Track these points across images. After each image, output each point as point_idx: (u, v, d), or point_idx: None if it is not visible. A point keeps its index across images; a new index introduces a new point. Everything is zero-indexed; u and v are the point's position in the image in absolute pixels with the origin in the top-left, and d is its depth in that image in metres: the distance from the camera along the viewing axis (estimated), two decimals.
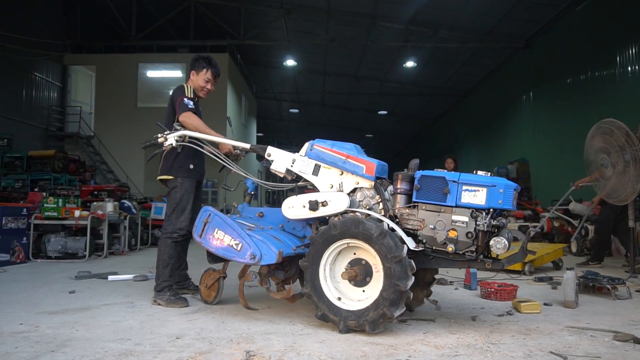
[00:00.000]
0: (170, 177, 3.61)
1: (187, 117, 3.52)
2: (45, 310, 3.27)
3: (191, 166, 3.65)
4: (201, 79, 3.77)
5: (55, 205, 6.59)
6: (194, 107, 3.60)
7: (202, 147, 3.52)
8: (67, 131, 17.43)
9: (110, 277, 4.78)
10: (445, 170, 2.85)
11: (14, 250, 6.14)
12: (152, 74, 18.71)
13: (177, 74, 18.39)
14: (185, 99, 3.59)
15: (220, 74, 3.91)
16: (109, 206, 7.37)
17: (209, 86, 3.81)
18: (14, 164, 12.96)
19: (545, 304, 3.54)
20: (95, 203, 7.66)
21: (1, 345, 2.44)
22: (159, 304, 3.44)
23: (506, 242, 2.59)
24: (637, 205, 6.17)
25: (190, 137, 3.43)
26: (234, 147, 3.55)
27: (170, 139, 3.33)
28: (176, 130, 3.42)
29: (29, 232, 6.47)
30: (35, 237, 6.66)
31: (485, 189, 2.65)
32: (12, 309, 3.33)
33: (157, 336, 2.62)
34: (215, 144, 3.58)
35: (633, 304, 3.65)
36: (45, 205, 6.61)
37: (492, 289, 3.79)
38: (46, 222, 6.59)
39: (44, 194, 8.29)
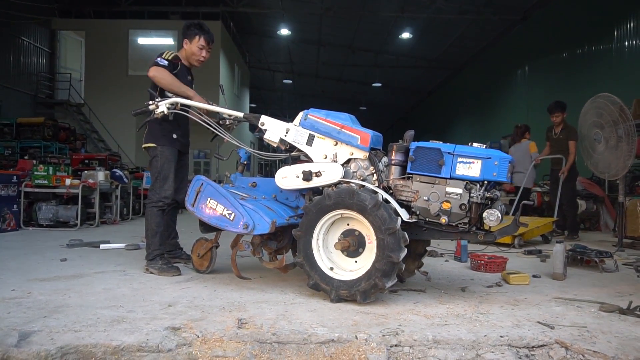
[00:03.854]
0: (153, 145, 3.56)
1: (156, 71, 3.41)
2: (37, 278, 3.26)
3: (174, 136, 3.59)
4: (195, 46, 3.65)
5: (45, 173, 6.52)
6: (166, 65, 3.46)
7: (195, 116, 3.44)
8: (56, 98, 17.14)
9: (102, 246, 4.77)
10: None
11: (5, 218, 6.10)
12: (143, 40, 18.29)
13: (168, 41, 17.99)
14: (159, 58, 3.48)
15: (214, 39, 3.79)
16: (100, 175, 7.31)
17: (203, 53, 3.69)
18: (2, 131, 12.76)
19: (534, 276, 3.59)
20: (86, 172, 7.58)
21: None
22: (151, 272, 3.44)
23: (499, 215, 2.59)
24: (626, 180, 6.23)
25: (182, 105, 3.36)
26: (228, 116, 3.46)
27: (162, 107, 3.25)
28: (168, 97, 3.35)
29: (19, 199, 6.41)
30: (26, 205, 6.61)
31: (480, 161, 2.64)
32: (4, 275, 3.31)
33: (150, 304, 2.63)
34: (210, 113, 3.50)
35: (619, 277, 3.71)
36: (35, 173, 6.54)
37: (482, 261, 3.83)
38: (37, 190, 6.53)
39: (34, 161, 8.20)
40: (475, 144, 2.74)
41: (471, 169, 2.65)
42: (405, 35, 16.84)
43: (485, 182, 2.67)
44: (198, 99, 3.45)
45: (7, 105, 14.02)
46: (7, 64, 14.85)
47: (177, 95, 3.40)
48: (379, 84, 23.34)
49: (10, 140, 12.52)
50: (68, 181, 6.61)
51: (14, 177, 6.44)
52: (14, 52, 15.22)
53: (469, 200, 2.64)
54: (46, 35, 16.98)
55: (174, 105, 3.32)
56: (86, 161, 10.42)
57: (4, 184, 6.16)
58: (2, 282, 3.11)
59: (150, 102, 3.28)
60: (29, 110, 15.69)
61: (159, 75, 3.42)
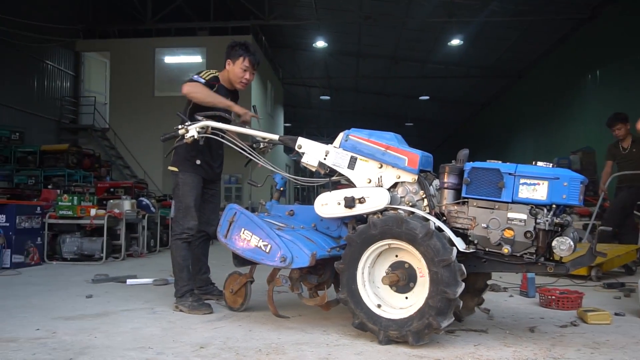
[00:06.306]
0: (175, 169, 3.68)
1: (189, 87, 3.54)
2: (62, 316, 3.40)
3: (197, 162, 3.69)
4: (238, 67, 3.74)
5: (70, 204, 6.81)
6: (202, 82, 3.59)
7: (226, 139, 3.53)
8: (80, 123, 17.99)
9: (129, 281, 4.92)
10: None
11: (28, 252, 6.39)
12: (170, 59, 19.05)
13: (197, 59, 18.65)
14: (195, 76, 3.63)
15: (260, 61, 3.87)
16: (127, 204, 7.56)
17: (247, 75, 3.78)
18: (26, 159, 13.47)
19: (616, 314, 3.45)
20: (111, 201, 7.87)
21: (18, 351, 2.55)
22: (180, 310, 3.51)
23: (571, 243, 2.52)
24: None
25: (214, 128, 3.47)
26: (263, 139, 3.54)
27: (192, 131, 3.36)
28: (198, 120, 3.46)
29: (43, 232, 6.71)
30: (50, 238, 6.90)
31: (546, 182, 2.59)
32: (28, 313, 3.47)
33: (180, 345, 2.68)
34: (242, 136, 3.59)
35: None
36: (59, 203, 6.84)
37: (553, 297, 3.71)
38: (61, 221, 6.82)
39: (58, 191, 8.59)
40: (540, 163, 2.70)
41: (536, 191, 2.61)
42: (455, 42, 16.81)
43: (554, 206, 2.61)
44: (237, 109, 3.56)
45: (31, 132, 14.78)
46: (31, 90, 15.73)
47: (216, 107, 3.49)
48: (427, 97, 23.29)
49: (34, 169, 13.20)
50: (93, 211, 6.87)
51: (38, 208, 6.78)
52: (38, 76, 16.14)
53: (535, 227, 2.58)
54: (70, 58, 17.96)
55: (204, 129, 3.43)
56: (111, 189, 10.83)
57: (27, 216, 6.47)
58: (26, 320, 3.26)
59: (180, 127, 3.41)
60: (53, 136, 16.52)
61: (193, 90, 3.55)
